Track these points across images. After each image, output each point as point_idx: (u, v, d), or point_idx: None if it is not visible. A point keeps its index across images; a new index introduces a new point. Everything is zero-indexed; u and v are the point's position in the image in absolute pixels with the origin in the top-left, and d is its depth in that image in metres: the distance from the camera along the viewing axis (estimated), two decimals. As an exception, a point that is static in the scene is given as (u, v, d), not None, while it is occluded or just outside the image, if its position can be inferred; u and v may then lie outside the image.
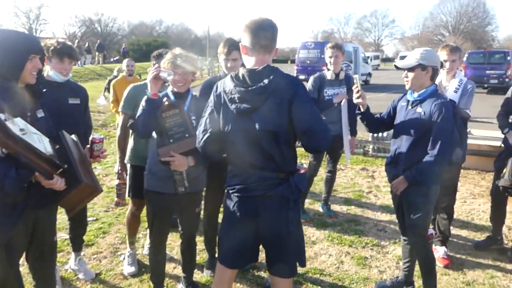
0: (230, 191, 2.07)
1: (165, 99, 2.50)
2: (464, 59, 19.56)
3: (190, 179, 2.52)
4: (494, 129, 6.57)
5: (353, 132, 4.28)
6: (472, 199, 5.02)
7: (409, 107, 2.68)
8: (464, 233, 4.06)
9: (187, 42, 75.69)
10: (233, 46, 2.96)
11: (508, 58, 18.51)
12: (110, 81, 11.67)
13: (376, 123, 2.93)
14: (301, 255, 2.13)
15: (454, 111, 2.58)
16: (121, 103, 3.04)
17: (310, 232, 4.01)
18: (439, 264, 3.32)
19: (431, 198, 2.66)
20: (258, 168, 1.98)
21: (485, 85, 18.75)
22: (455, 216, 4.42)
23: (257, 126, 1.90)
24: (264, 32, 1.93)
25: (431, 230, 3.74)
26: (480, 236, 3.95)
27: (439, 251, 3.46)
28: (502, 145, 3.58)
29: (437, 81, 3.44)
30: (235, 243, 2.09)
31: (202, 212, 3.43)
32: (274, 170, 1.97)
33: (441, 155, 2.48)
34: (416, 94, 2.64)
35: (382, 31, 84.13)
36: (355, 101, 2.74)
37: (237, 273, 2.33)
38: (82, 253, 3.31)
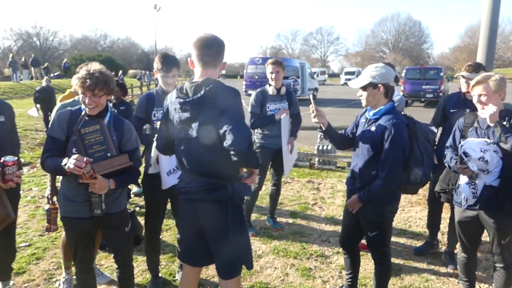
0: (179, 193, 2.27)
1: (83, 112, 2.34)
2: (403, 74, 20.86)
3: (107, 201, 2.37)
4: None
5: (292, 133, 4.28)
6: (410, 207, 5.28)
7: (366, 125, 2.66)
8: (402, 240, 4.25)
9: (133, 57, 74.18)
10: (172, 63, 2.96)
11: (441, 74, 19.93)
12: (37, 91, 11.15)
13: (340, 140, 2.88)
14: (244, 258, 2.26)
15: (413, 130, 2.50)
16: (50, 125, 2.86)
17: (256, 246, 4.00)
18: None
19: (386, 217, 2.66)
20: (198, 174, 2.14)
21: (422, 99, 20.05)
22: (394, 224, 4.64)
23: (194, 135, 2.07)
24: (207, 49, 2.07)
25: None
26: (417, 242, 4.15)
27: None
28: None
29: None
30: (189, 242, 2.34)
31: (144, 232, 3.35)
32: (213, 176, 2.11)
33: (389, 177, 2.45)
34: (371, 113, 2.62)
35: (328, 48, 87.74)
36: (313, 120, 2.75)
37: (200, 272, 2.50)
38: (11, 282, 3.07)
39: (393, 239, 4.17)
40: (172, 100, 2.17)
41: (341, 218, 4.78)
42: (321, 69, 54.63)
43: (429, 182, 3.70)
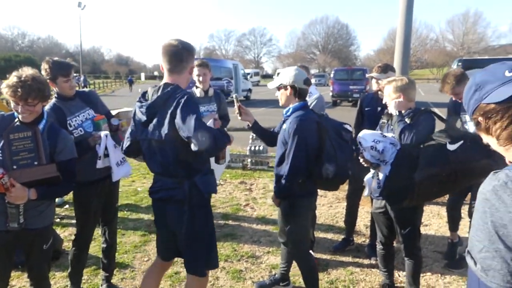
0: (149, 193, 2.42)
1: (16, 118, 2.21)
2: (332, 75, 21.83)
3: (28, 215, 2.19)
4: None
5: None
6: (337, 203, 5.49)
7: (282, 123, 2.82)
8: (329, 235, 4.41)
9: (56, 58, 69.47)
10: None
11: (367, 75, 21.15)
12: None
13: (268, 137, 3.06)
14: (206, 258, 2.36)
15: (323, 126, 2.59)
16: None
17: (186, 252, 3.92)
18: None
19: (298, 210, 2.74)
20: (159, 174, 2.33)
21: (349, 99, 21.13)
22: (322, 220, 4.81)
23: (149, 136, 2.22)
24: (169, 57, 2.22)
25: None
26: (341, 237, 4.32)
27: None
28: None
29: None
30: (161, 239, 2.53)
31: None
32: (170, 175, 2.26)
33: (291, 168, 2.56)
34: (284, 111, 2.79)
35: (261, 49, 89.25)
36: (239, 118, 2.87)
37: (169, 266, 2.69)
38: None
39: (320, 234, 4.34)
40: (137, 104, 2.31)
41: (272, 217, 4.86)
42: (255, 70, 55.42)
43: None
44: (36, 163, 2.17)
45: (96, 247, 3.93)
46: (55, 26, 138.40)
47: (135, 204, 5.43)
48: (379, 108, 3.59)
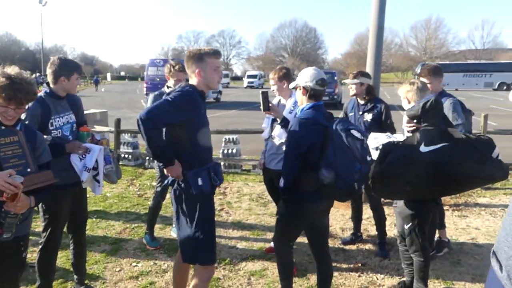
0: None
1: None
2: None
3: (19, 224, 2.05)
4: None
5: None
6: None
7: None
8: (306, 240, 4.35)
9: (16, 56, 66.53)
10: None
11: (335, 78, 21.49)
12: None
13: None
14: (193, 252, 2.51)
15: (329, 131, 2.51)
16: None
17: (161, 261, 3.77)
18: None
19: (284, 211, 2.78)
20: None
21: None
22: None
23: None
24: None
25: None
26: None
27: None
28: None
29: (275, 101, 3.68)
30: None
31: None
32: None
33: (284, 167, 2.66)
34: (298, 111, 2.87)
35: (230, 51, 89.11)
36: (265, 113, 3.25)
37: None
38: None
39: (299, 239, 4.27)
40: None
41: (248, 222, 4.77)
42: (224, 72, 55.12)
43: None
44: (29, 169, 2.00)
45: (63, 258, 3.70)
46: (14, 23, 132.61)
47: (104, 211, 5.20)
48: (360, 113, 3.86)
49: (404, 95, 3.05)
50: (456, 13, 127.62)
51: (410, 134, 2.79)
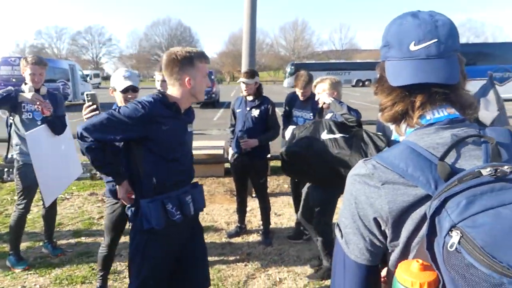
0: None
1: None
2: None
3: None
4: (205, 139, 7.49)
5: None
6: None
7: None
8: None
9: None
10: None
11: (212, 77, 21.76)
12: None
13: None
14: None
15: None
16: None
17: (31, 282, 3.37)
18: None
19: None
20: None
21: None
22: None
23: None
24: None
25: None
26: (206, 237, 4.35)
27: None
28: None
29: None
30: None
31: None
32: None
33: None
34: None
35: (100, 49, 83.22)
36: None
37: None
38: None
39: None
40: None
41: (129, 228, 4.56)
42: (95, 72, 51.22)
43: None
44: None
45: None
46: None
47: None
48: (247, 109, 4.06)
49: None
50: (318, 16, 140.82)
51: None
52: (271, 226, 4.35)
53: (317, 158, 2.84)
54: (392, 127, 0.96)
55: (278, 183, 6.46)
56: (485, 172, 0.69)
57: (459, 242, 0.63)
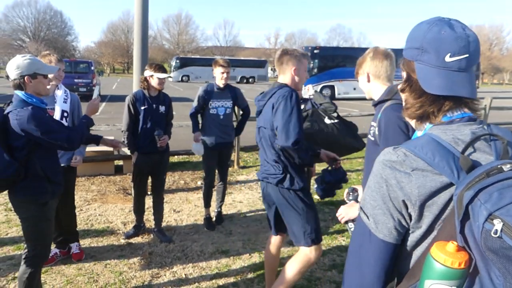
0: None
1: None
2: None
3: None
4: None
5: None
6: (87, 205, 5.13)
7: None
8: (87, 241, 4.09)
9: None
10: None
11: (92, 68, 20.19)
12: None
13: None
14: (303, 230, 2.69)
15: None
16: None
17: None
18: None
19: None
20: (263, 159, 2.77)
21: (76, 93, 19.64)
22: (95, 225, 4.42)
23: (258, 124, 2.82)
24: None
25: (54, 250, 3.55)
26: (102, 239, 4.12)
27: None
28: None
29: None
30: (268, 214, 2.92)
31: None
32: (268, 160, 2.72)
33: None
34: None
35: None
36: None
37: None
38: None
39: (90, 240, 3.96)
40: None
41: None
42: None
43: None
44: None
45: None
46: None
47: None
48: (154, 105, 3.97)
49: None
50: (202, 11, 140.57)
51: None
52: (171, 224, 4.32)
53: (328, 139, 3.41)
54: (412, 122, 1.10)
55: (174, 179, 6.39)
56: (506, 168, 0.83)
57: (501, 230, 0.74)
